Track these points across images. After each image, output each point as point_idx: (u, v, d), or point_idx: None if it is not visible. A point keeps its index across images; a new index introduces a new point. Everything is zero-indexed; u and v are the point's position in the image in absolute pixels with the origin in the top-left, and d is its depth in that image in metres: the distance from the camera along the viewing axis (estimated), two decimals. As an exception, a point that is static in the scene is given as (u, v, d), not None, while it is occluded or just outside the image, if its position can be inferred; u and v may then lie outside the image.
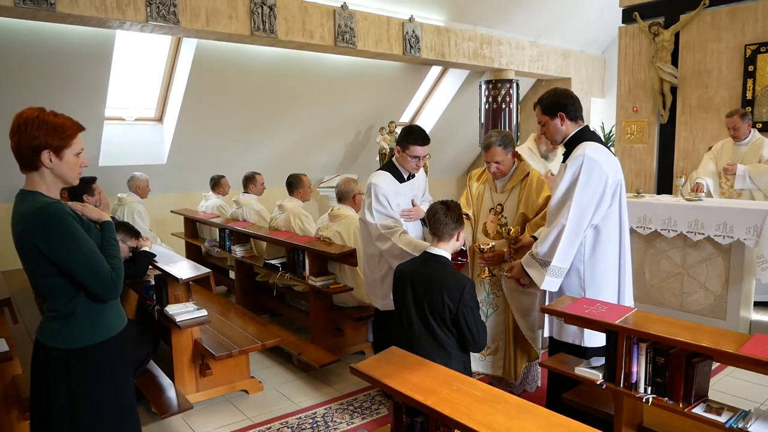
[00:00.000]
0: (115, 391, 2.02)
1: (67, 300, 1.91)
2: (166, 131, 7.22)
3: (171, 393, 3.60)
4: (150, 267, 4.04)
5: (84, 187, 4.23)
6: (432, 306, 2.68)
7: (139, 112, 7.11)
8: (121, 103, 6.86)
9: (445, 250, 2.78)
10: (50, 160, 1.86)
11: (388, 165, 3.67)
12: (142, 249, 4.00)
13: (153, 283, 3.99)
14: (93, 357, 1.95)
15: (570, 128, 2.91)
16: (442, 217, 2.74)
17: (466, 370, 2.78)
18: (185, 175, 7.58)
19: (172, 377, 3.73)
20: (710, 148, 5.57)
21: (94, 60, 5.78)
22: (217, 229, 5.94)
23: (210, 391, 3.83)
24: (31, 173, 1.89)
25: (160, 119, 7.24)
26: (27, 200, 1.86)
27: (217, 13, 5.61)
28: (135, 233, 4.03)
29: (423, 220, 3.76)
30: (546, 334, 3.09)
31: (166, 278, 3.76)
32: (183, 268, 3.81)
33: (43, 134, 1.83)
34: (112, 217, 4.62)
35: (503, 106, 8.54)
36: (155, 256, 3.98)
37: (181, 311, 3.63)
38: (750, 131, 5.14)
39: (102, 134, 6.49)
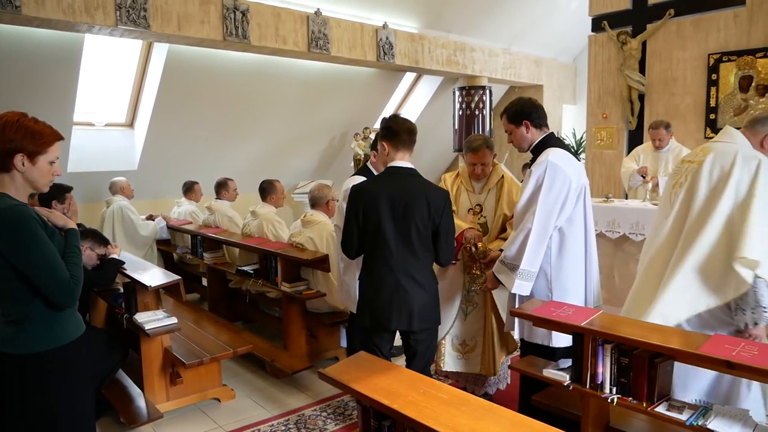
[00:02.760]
0: (71, 399, 1.99)
1: (23, 305, 1.90)
2: (137, 137, 7.12)
3: (140, 402, 3.55)
4: (119, 274, 3.98)
5: (56, 194, 4.16)
6: (416, 218, 2.75)
7: (110, 117, 7.01)
8: (91, 107, 6.75)
9: (408, 162, 2.89)
10: (23, 164, 1.88)
11: (363, 170, 3.68)
12: (110, 256, 3.94)
13: (122, 290, 3.94)
14: (48, 363, 1.92)
15: (535, 135, 2.99)
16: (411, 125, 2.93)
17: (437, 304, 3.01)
18: (157, 181, 7.49)
19: (141, 386, 3.68)
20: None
21: (62, 64, 5.68)
22: (189, 236, 5.88)
23: (181, 400, 3.79)
24: (1, 175, 1.89)
25: (131, 124, 7.14)
26: None
27: (188, 18, 5.57)
28: (104, 241, 3.97)
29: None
30: (516, 336, 3.13)
31: (135, 286, 3.71)
32: (152, 276, 3.76)
33: (20, 138, 1.86)
34: (79, 225, 4.55)
35: (476, 112, 8.64)
36: (124, 263, 3.93)
37: (151, 319, 3.59)
38: (671, 140, 5.47)
39: (70, 139, 6.37)
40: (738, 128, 2.71)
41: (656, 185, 5.28)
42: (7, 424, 1.90)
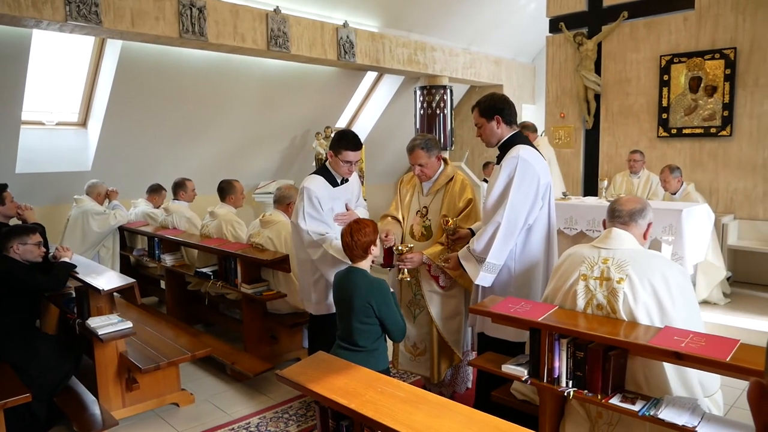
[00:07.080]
0: None
1: (375, 341, 2.81)
2: (90, 136, 6.90)
3: (95, 410, 3.45)
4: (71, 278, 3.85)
5: None
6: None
7: (61, 116, 6.76)
8: (41, 106, 6.50)
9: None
10: (371, 251, 2.88)
11: (321, 169, 3.65)
12: (61, 260, 3.80)
13: (74, 295, 3.81)
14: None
15: (505, 132, 3.02)
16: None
17: None
18: (111, 182, 7.23)
19: (96, 393, 3.57)
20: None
21: (9, 60, 5.45)
22: (146, 238, 5.73)
23: (138, 406, 3.69)
24: (360, 261, 2.86)
25: (83, 124, 6.92)
26: (360, 275, 2.81)
27: (142, 15, 5.43)
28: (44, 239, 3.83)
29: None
30: (477, 330, 3.16)
31: (87, 290, 3.59)
32: (105, 279, 3.65)
33: (372, 233, 2.85)
34: (37, 224, 4.39)
35: (438, 111, 8.69)
36: (75, 267, 3.79)
37: (104, 324, 3.48)
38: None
39: (18, 139, 6.12)
40: (619, 226, 2.45)
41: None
42: None
